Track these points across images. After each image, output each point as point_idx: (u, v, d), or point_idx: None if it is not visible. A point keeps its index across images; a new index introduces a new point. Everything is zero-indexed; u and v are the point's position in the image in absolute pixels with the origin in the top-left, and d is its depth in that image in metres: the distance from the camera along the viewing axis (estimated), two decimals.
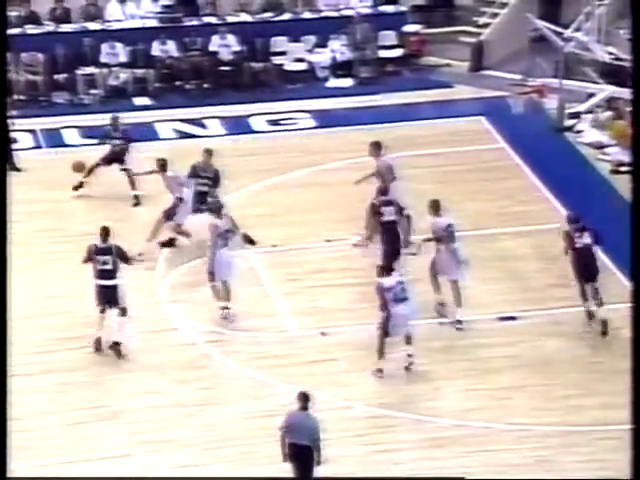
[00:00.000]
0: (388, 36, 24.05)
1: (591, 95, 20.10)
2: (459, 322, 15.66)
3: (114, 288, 15.28)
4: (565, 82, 19.08)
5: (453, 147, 20.18)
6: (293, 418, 12.67)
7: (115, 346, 15.17)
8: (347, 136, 20.76)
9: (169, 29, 23.24)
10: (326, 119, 21.50)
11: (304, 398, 12.65)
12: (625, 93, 18.81)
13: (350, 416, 14.04)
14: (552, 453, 13.39)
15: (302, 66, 23.63)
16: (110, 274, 15.25)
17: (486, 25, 24.43)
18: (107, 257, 15.29)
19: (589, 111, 20.45)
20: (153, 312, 16.17)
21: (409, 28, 24.18)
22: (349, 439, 13.66)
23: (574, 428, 13.73)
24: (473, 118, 21.45)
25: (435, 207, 15.92)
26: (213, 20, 23.71)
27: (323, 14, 24.13)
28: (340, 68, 23.56)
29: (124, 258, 15.45)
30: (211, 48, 23.30)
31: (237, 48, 23.32)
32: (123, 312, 15.32)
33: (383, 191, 16.79)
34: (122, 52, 23.02)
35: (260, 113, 22.09)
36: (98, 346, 15.23)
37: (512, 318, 15.87)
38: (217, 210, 16.40)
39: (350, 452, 13.42)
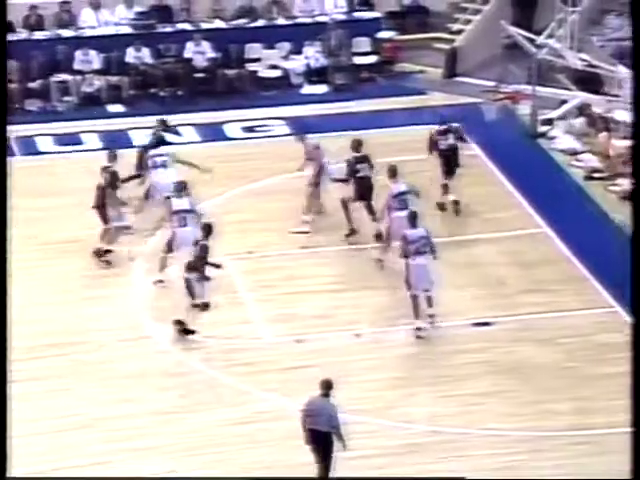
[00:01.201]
0: (362, 42, 24.13)
1: (564, 102, 20.22)
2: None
3: (189, 281, 15.55)
4: (538, 89, 19.20)
5: (427, 154, 20.22)
6: (313, 404, 12.87)
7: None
8: (322, 143, 20.79)
9: (143, 36, 23.25)
10: (301, 126, 21.52)
11: (326, 385, 12.85)
12: (597, 100, 18.95)
13: None
14: (525, 458, 13.46)
15: (276, 73, 23.67)
16: (189, 266, 15.53)
17: (460, 32, 24.54)
18: (196, 251, 15.49)
19: (562, 117, 20.58)
20: (129, 320, 16.15)
21: (383, 35, 24.27)
22: None
23: (547, 433, 13.81)
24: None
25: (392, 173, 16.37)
26: (187, 27, 23.73)
27: (297, 20, 24.19)
28: (315, 75, 23.62)
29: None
30: (185, 55, 23.32)
31: (211, 55, 23.34)
32: (194, 306, 15.52)
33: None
34: (96, 59, 23.00)
35: (234, 120, 22.11)
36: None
37: (486, 324, 15.95)
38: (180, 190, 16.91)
39: None
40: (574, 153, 20.58)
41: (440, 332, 15.77)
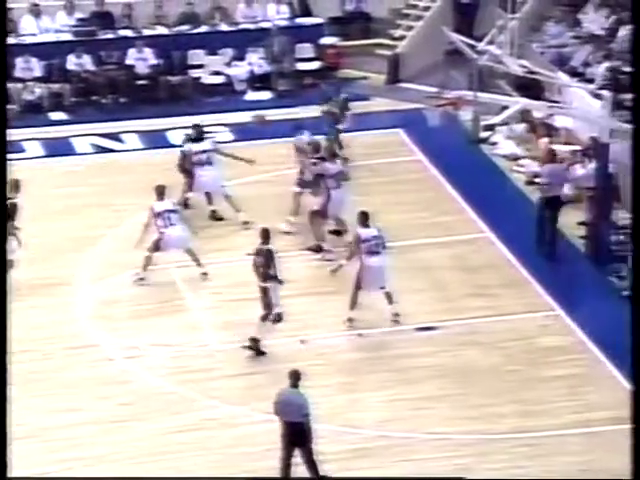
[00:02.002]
0: (305, 49, 24.20)
1: (505, 107, 20.37)
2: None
3: (265, 290, 15.36)
4: (479, 95, 19.31)
5: (371, 160, 20.36)
6: (283, 395, 12.97)
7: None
8: (266, 149, 20.82)
9: (84, 43, 23.12)
10: (244, 132, 21.52)
11: (295, 376, 12.96)
12: (538, 105, 19.15)
13: (272, 429, 14.04)
14: (472, 461, 13.56)
15: (220, 79, 23.66)
16: (262, 275, 15.37)
17: (402, 38, 24.70)
18: (260, 259, 15.36)
19: (503, 123, 20.77)
20: (72, 328, 16.05)
21: (326, 40, 24.36)
22: (272, 452, 13.67)
23: (493, 436, 13.92)
24: (390, 131, 21.68)
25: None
26: (129, 33, 23.64)
27: (240, 27, 24.19)
28: (258, 81, 23.64)
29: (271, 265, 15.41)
30: (127, 61, 23.22)
31: (154, 61, 23.27)
32: (264, 318, 15.42)
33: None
34: (37, 66, 22.83)
35: (178, 127, 22.01)
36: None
37: (431, 328, 16.05)
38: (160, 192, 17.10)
39: (274, 464, 13.43)
40: (515, 158, 20.78)
41: (385, 337, 15.84)
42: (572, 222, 18.56)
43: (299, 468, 13.19)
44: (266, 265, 15.22)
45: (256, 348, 15.37)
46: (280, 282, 15.30)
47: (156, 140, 21.58)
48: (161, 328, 16.12)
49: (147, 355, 15.58)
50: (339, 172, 17.92)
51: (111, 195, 19.75)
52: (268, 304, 15.32)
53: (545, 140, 20.02)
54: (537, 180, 18.95)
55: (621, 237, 17.39)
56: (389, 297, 15.97)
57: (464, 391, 14.76)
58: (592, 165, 18.20)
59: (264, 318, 15.38)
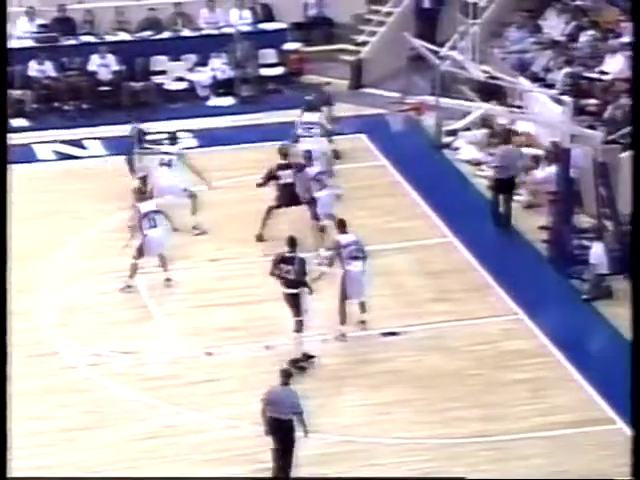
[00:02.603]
0: (268, 54, 24.21)
1: (467, 113, 20.48)
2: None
3: (296, 297, 15.22)
4: (442, 100, 19.41)
5: (335, 165, 20.37)
6: (274, 393, 13.02)
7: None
8: (229, 155, 20.82)
9: (46, 49, 23.01)
10: (208, 138, 21.51)
11: (286, 374, 13.07)
12: (500, 111, 19.26)
13: (236, 436, 14.07)
14: (436, 465, 13.60)
15: (183, 85, 23.62)
16: (291, 283, 15.22)
17: (365, 43, 24.77)
18: (289, 267, 15.20)
19: (465, 128, 20.88)
20: (34, 336, 15.96)
21: (289, 46, 24.39)
22: (236, 458, 13.69)
23: (456, 440, 13.98)
24: (354, 136, 21.73)
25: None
26: (91, 39, 23.56)
27: (203, 32, 24.17)
28: (221, 87, 23.62)
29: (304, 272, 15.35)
30: (90, 68, 23.14)
31: (116, 67, 23.21)
32: (299, 324, 15.28)
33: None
34: None
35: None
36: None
37: (395, 333, 16.09)
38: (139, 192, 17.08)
39: (238, 471, 13.44)
40: (478, 163, 20.89)
41: (350, 342, 15.86)
42: (534, 226, 18.69)
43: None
44: (301, 273, 15.22)
45: (300, 366, 15.18)
46: (311, 290, 15.31)
47: (119, 146, 21.46)
48: (124, 335, 16.06)
49: (110, 362, 15.52)
50: (319, 173, 18.02)
51: (74, 202, 19.68)
52: (299, 311, 15.26)
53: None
54: (490, 161, 19.14)
55: (582, 241, 17.53)
56: (362, 306, 16.00)
57: (428, 396, 14.81)
58: (553, 169, 18.32)
59: (299, 327, 15.28)
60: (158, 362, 15.48)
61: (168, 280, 17.09)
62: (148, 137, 19.56)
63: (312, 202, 17.86)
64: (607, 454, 13.72)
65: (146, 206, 17.03)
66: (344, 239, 16.02)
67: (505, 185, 18.66)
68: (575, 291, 17.06)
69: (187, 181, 18.74)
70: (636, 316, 11.24)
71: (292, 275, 15.24)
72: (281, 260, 15.37)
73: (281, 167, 18.17)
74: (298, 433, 13.06)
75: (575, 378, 15.07)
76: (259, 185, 18.28)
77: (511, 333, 16.06)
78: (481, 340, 15.87)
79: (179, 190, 18.54)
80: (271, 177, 18.16)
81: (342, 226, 16.27)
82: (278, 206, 18.14)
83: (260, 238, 18.12)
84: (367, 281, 15.99)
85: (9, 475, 10.48)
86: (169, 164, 18.69)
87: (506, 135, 19.65)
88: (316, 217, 17.82)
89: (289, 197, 18.01)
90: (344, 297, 15.86)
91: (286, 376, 13.15)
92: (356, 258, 15.88)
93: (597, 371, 15.13)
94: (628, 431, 13.95)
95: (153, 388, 14.93)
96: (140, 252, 16.90)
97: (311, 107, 20.54)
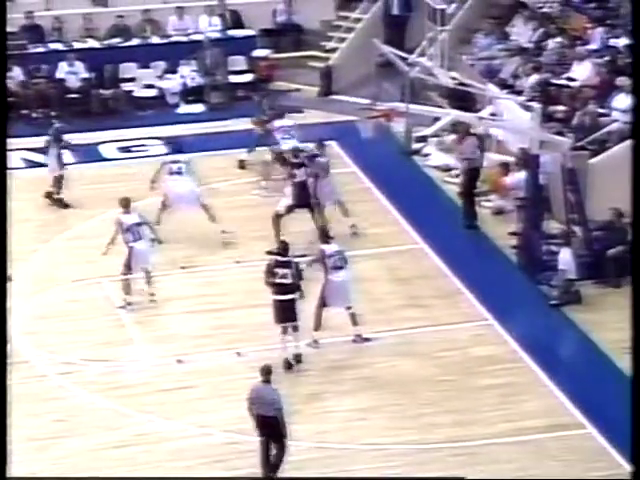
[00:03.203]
0: (238, 61, 24.21)
1: (436, 119, 20.56)
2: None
3: (292, 302, 15.14)
4: (411, 106, 19.48)
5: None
6: (256, 391, 13.18)
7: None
8: (199, 162, 20.78)
9: (14, 56, 22.83)
10: (177, 146, 21.43)
11: (266, 371, 13.17)
12: (469, 117, 19.35)
13: (209, 443, 14.05)
14: (407, 470, 13.64)
15: (152, 92, 23.58)
16: (288, 289, 15.11)
17: (334, 50, 24.81)
18: (286, 271, 15.10)
19: (435, 135, 20.96)
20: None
21: (258, 53, 24.40)
22: (209, 464, 13.69)
23: (427, 446, 14.02)
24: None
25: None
26: (59, 47, 23.47)
27: (172, 39, 24.14)
28: (191, 94, 23.59)
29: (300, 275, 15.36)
30: (58, 75, 23.05)
31: (85, 75, 23.13)
32: (295, 328, 15.26)
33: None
34: None
35: (110, 140, 21.93)
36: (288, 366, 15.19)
37: (366, 339, 16.12)
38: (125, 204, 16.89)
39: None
40: (447, 169, 20.98)
41: (321, 349, 15.88)
42: (503, 232, 18.78)
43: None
44: (297, 276, 15.25)
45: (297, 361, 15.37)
46: (303, 295, 15.36)
47: (88, 154, 21.42)
48: (95, 343, 16.01)
49: (80, 371, 15.46)
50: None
51: (43, 209, 19.61)
52: (295, 316, 15.26)
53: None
54: (460, 156, 19.29)
55: (552, 247, 17.63)
56: (354, 318, 16.00)
57: (399, 402, 14.85)
58: (522, 176, 18.43)
59: (296, 329, 15.33)
60: (129, 370, 15.43)
61: (152, 295, 16.82)
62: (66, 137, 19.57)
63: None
64: (577, 459, 13.81)
65: (129, 218, 16.82)
66: (328, 249, 16.02)
67: (476, 173, 18.92)
68: (544, 297, 17.16)
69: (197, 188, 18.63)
70: (636, 326, 11.32)
71: (289, 279, 15.21)
72: (275, 265, 15.34)
73: (295, 165, 18.22)
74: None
75: (545, 383, 15.15)
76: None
77: (481, 339, 16.13)
78: (451, 346, 15.93)
79: (194, 197, 18.39)
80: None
81: (326, 235, 16.36)
82: (291, 208, 18.06)
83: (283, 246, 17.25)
84: (351, 289, 16.02)
85: (9, 475, 10.40)
86: (179, 172, 18.59)
87: (466, 130, 19.69)
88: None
89: (303, 197, 17.96)
90: (322, 304, 15.85)
91: (266, 373, 13.24)
92: (340, 268, 15.91)
93: (567, 376, 15.22)
94: (597, 436, 14.09)
95: (124, 396, 14.89)
96: (128, 266, 16.67)
97: (279, 114, 20.58)
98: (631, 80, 18.11)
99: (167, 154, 19.61)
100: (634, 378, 11.46)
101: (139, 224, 16.82)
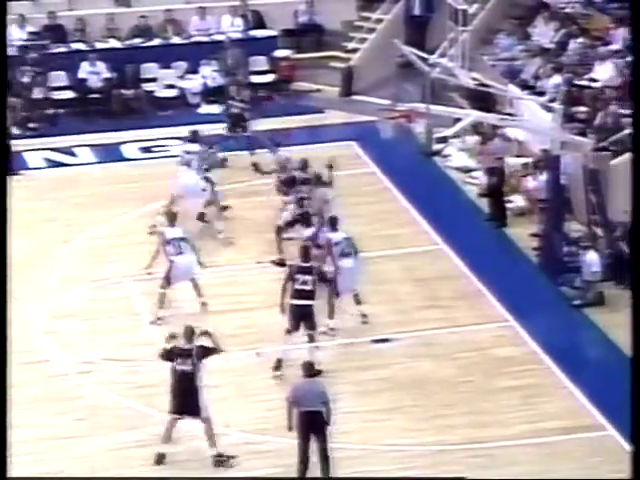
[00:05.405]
0: (259, 61, 24.25)
1: (457, 120, 20.53)
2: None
3: (311, 308, 15.20)
4: (432, 107, 19.45)
5: (325, 172, 20.38)
6: (300, 388, 13.25)
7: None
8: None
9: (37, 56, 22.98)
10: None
11: (309, 367, 13.28)
12: (490, 118, 19.32)
13: (226, 442, 14.06)
14: (425, 472, 13.62)
15: (173, 92, 23.64)
16: (307, 295, 15.17)
17: (355, 50, 24.82)
18: (307, 277, 15.16)
19: (456, 136, 20.92)
20: (26, 344, 15.94)
21: (280, 53, 24.43)
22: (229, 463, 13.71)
23: (446, 447, 14.00)
24: (344, 143, 21.76)
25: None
26: (81, 47, 23.56)
27: (193, 39, 24.20)
28: (212, 94, 23.64)
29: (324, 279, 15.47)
30: (80, 75, 23.14)
31: (107, 75, 23.21)
32: (311, 337, 15.29)
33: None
34: None
35: (132, 140, 22.01)
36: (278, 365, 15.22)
37: (386, 340, 16.12)
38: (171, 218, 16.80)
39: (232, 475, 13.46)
40: (468, 170, 20.94)
41: (341, 349, 15.89)
42: (525, 234, 18.74)
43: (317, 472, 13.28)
44: (323, 280, 15.37)
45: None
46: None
47: (109, 154, 21.52)
48: (116, 343, 16.07)
49: (102, 370, 15.52)
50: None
51: (65, 209, 19.69)
52: (313, 323, 15.28)
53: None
54: (488, 157, 19.25)
55: (573, 248, 17.58)
56: (357, 299, 16.14)
57: (418, 403, 14.84)
58: (544, 177, 18.39)
59: (311, 338, 15.31)
60: (149, 370, 15.47)
61: (204, 304, 16.66)
62: None
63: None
64: (598, 461, 13.77)
65: (172, 232, 16.63)
66: (335, 237, 16.13)
67: (503, 175, 19.07)
68: (566, 298, 17.11)
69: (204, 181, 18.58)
70: (636, 326, 11.27)
71: (309, 286, 15.20)
72: (297, 271, 15.32)
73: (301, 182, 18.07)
74: None
75: (565, 385, 15.11)
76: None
77: (502, 340, 16.10)
78: (471, 347, 15.91)
79: (198, 190, 18.37)
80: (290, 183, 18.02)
81: (334, 223, 16.36)
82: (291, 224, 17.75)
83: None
84: (358, 277, 16.12)
85: (9, 475, 10.45)
86: (188, 164, 18.59)
87: (492, 132, 19.69)
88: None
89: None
90: (335, 293, 15.90)
91: (308, 369, 13.30)
92: (347, 255, 15.97)
93: (588, 378, 15.17)
94: (619, 438, 14.04)
95: (145, 396, 14.93)
96: (168, 280, 16.48)
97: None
98: (632, 80, 18.05)
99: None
100: (634, 377, 11.40)
101: (182, 239, 16.63)
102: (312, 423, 13.19)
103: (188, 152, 18.79)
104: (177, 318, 16.37)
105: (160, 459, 13.68)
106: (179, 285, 16.65)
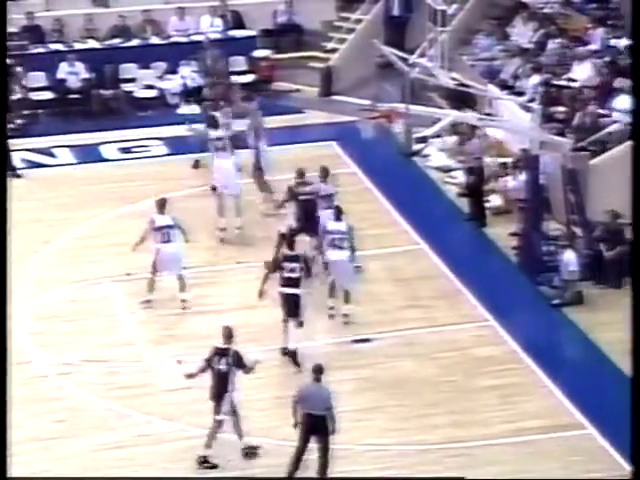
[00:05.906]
0: (238, 61, 24.23)
1: (437, 120, 20.57)
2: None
3: (297, 297, 15.18)
4: (411, 107, 19.49)
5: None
6: (307, 390, 13.25)
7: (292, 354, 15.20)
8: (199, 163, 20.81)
9: (15, 57, 22.87)
10: (178, 146, 21.49)
11: (318, 370, 13.24)
12: (469, 118, 19.37)
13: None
14: (406, 472, 13.64)
15: (152, 93, 23.60)
16: (296, 282, 15.14)
17: (334, 50, 24.83)
18: (295, 265, 15.15)
19: (435, 136, 20.96)
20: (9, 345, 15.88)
21: (259, 53, 24.41)
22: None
23: (427, 447, 14.02)
24: (324, 143, 21.77)
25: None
26: (60, 47, 23.48)
27: (172, 40, 24.16)
28: (191, 94, 23.60)
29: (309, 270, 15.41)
30: (59, 76, 23.07)
31: (86, 75, 23.14)
32: (300, 324, 15.26)
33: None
34: None
35: (111, 141, 21.95)
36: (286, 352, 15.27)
37: (366, 340, 16.14)
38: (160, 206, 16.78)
39: None
40: (448, 170, 20.99)
41: (321, 349, 15.89)
42: (504, 233, 18.80)
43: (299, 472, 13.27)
44: (307, 271, 15.33)
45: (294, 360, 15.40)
46: (310, 292, 15.49)
47: (89, 154, 21.46)
48: (95, 344, 16.03)
49: (81, 371, 15.48)
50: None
51: (44, 210, 19.62)
52: (300, 311, 15.30)
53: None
54: (467, 157, 19.29)
55: (552, 247, 17.65)
56: (347, 296, 16.24)
57: (399, 402, 14.86)
58: (523, 177, 18.44)
59: (301, 324, 15.36)
60: (129, 371, 15.45)
61: (184, 301, 16.72)
62: None
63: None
64: (577, 459, 13.82)
65: (162, 219, 16.71)
66: (333, 226, 16.23)
67: (483, 175, 19.09)
68: (545, 297, 17.17)
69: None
70: (636, 329, 11.32)
71: (297, 273, 15.23)
72: (284, 259, 15.38)
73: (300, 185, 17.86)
74: None
75: (545, 384, 15.17)
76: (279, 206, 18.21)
77: (482, 339, 16.14)
78: (452, 347, 15.94)
79: (237, 174, 18.50)
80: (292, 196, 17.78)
81: (338, 213, 16.54)
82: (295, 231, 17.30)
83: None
84: (351, 274, 16.19)
85: (9, 475, 10.42)
86: (224, 148, 18.58)
87: (471, 132, 19.73)
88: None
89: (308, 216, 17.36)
90: (332, 286, 16.18)
91: (317, 372, 13.31)
92: (339, 247, 16.02)
93: (567, 377, 15.23)
94: (598, 436, 14.10)
95: (125, 397, 14.90)
96: (154, 267, 16.65)
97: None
98: (631, 81, 18.15)
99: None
100: (634, 378, 11.48)
101: (171, 226, 16.71)
102: (313, 426, 13.20)
103: (219, 138, 18.66)
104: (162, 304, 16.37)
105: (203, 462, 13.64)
106: (167, 274, 16.72)
